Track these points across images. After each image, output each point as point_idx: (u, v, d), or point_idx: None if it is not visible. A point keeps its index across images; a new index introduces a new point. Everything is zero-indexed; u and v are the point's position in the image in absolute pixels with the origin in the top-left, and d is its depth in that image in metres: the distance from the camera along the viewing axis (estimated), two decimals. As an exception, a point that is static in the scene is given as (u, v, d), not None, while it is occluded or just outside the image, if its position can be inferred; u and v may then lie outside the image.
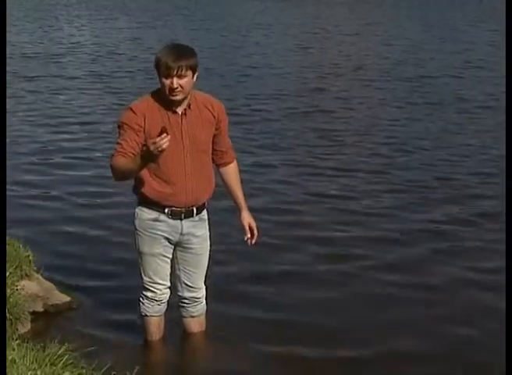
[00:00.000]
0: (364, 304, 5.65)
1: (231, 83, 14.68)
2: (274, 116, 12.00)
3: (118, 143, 4.32)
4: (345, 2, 34.86)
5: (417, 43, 21.27)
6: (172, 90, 4.24)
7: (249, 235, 4.71)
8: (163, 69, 4.24)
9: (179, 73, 4.21)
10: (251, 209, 4.79)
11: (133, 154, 4.23)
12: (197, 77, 4.34)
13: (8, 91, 11.38)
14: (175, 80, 4.23)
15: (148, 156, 4.09)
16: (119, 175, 4.34)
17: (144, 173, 4.37)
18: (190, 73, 4.26)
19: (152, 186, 4.43)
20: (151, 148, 4.00)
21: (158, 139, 3.97)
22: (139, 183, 4.45)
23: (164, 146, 3.97)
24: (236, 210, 4.77)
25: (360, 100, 13.35)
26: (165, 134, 3.96)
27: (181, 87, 4.24)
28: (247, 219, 4.71)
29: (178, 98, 4.29)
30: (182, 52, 4.28)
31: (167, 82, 4.25)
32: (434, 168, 9.16)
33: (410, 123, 11.57)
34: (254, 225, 4.72)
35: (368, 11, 31.23)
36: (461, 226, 7.23)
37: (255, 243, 4.75)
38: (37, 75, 15.61)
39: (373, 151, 9.90)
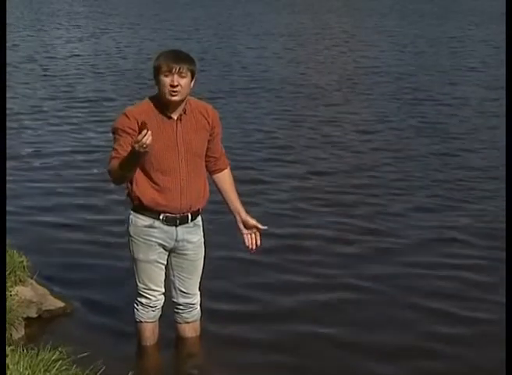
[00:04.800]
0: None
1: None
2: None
3: (113, 148, 4.34)
4: (335, 10, 34.58)
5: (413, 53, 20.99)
6: (172, 87, 4.25)
7: (252, 235, 4.68)
8: (164, 68, 4.25)
9: (180, 70, 4.24)
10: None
11: None
12: (193, 84, 4.35)
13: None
14: (176, 77, 4.25)
15: (136, 156, 4.10)
16: (117, 177, 4.36)
17: (139, 178, 4.39)
18: (189, 75, 4.29)
19: (147, 192, 4.42)
20: (136, 147, 4.01)
21: (139, 137, 3.97)
22: (133, 188, 4.45)
23: (147, 142, 3.97)
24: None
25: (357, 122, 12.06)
26: (145, 130, 3.95)
27: (181, 86, 4.26)
28: (249, 221, 4.67)
29: (176, 98, 4.30)
30: (183, 55, 4.35)
31: (167, 80, 4.25)
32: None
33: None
34: (255, 224, 4.66)
35: (360, 18, 31.14)
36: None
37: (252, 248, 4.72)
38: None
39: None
